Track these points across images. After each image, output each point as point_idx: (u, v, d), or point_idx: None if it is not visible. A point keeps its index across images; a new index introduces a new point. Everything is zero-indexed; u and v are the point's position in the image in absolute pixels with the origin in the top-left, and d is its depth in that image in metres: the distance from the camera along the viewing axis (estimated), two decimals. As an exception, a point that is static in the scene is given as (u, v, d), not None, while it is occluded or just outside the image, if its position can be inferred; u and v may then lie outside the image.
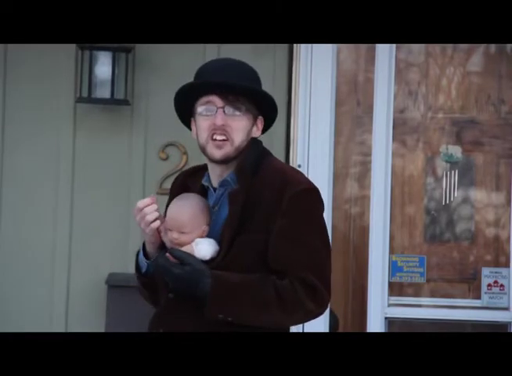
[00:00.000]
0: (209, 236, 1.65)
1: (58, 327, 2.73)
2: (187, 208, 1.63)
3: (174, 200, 1.66)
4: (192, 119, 1.67)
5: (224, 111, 1.61)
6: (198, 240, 1.63)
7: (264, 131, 1.74)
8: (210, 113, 1.62)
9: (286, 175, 1.63)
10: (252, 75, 1.69)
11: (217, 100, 1.61)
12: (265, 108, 1.69)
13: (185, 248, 1.61)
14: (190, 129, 1.74)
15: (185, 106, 1.68)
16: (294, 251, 1.57)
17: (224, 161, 1.64)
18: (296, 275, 1.56)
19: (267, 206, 1.60)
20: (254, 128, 1.68)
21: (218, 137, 1.63)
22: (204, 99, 1.62)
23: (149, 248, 1.68)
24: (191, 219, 1.62)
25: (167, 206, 1.73)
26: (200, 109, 1.63)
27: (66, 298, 2.75)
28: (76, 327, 2.68)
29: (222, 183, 1.66)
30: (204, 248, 1.58)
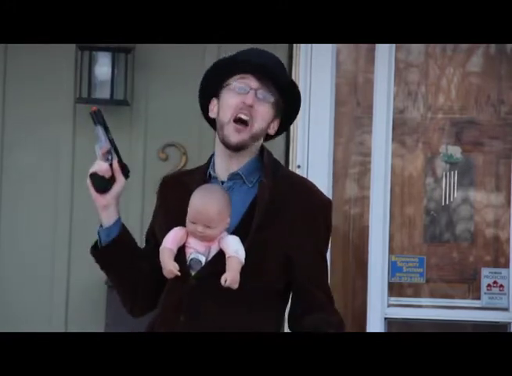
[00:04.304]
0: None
1: (57, 328, 2.72)
2: (215, 202, 1.59)
3: (199, 192, 1.61)
4: (214, 98, 1.63)
5: (256, 94, 1.57)
6: (237, 241, 1.60)
7: (276, 135, 1.70)
8: (243, 91, 1.57)
9: (312, 188, 1.63)
10: (285, 70, 1.66)
11: (252, 81, 1.57)
12: (288, 107, 1.64)
13: (233, 264, 1.57)
14: (204, 110, 1.66)
15: (215, 80, 1.63)
16: (321, 264, 1.60)
17: (238, 147, 1.59)
18: (323, 288, 1.60)
19: (293, 213, 1.59)
20: (271, 125, 1.64)
21: (243, 116, 1.58)
22: (240, 76, 1.58)
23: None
24: (219, 214, 1.58)
25: (157, 211, 1.69)
26: (233, 84, 1.58)
27: (66, 299, 2.75)
28: (75, 328, 2.67)
29: (232, 177, 1.62)
30: (242, 252, 1.58)
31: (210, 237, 1.59)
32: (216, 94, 1.62)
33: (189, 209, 1.59)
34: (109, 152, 1.60)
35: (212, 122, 1.67)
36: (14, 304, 2.77)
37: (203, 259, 1.60)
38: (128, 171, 1.63)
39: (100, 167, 1.57)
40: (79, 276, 2.73)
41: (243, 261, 1.57)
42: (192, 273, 1.58)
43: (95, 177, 1.59)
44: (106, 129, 1.62)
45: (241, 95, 1.58)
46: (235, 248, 1.58)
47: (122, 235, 1.61)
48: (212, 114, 1.62)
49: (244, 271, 1.56)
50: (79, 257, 2.70)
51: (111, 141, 1.61)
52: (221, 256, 1.57)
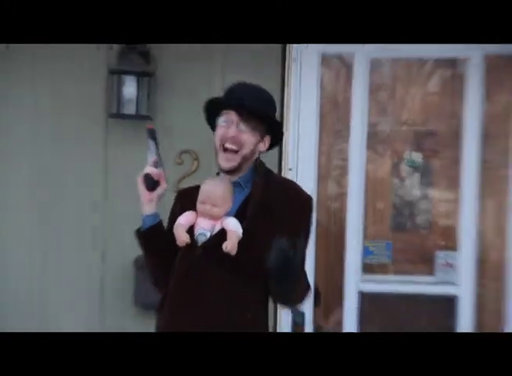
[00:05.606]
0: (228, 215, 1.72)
1: (95, 300, 2.83)
2: (221, 187, 1.71)
3: (209, 180, 1.74)
4: (215, 133, 1.78)
5: (237, 126, 1.71)
6: (236, 221, 1.69)
7: (271, 147, 1.82)
8: (226, 124, 1.72)
9: (297, 187, 1.75)
10: (269, 101, 1.78)
11: (233, 116, 1.72)
12: (272, 130, 1.79)
13: (232, 235, 1.64)
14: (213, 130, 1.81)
15: (211, 115, 1.78)
16: (303, 243, 1.71)
17: (230, 172, 1.74)
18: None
19: (281, 206, 1.68)
20: (261, 144, 1.77)
21: (229, 146, 1.71)
22: (225, 112, 1.73)
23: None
24: (223, 195, 1.69)
25: (174, 211, 1.80)
26: (219, 119, 1.74)
27: (102, 277, 2.85)
28: (109, 301, 2.81)
29: (234, 184, 1.75)
30: (240, 229, 1.68)
31: (215, 215, 1.69)
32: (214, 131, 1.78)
33: (200, 193, 1.71)
34: (156, 162, 1.76)
35: None
36: (54, 286, 2.83)
37: (208, 234, 1.70)
38: (167, 181, 1.78)
39: (152, 171, 1.74)
40: (113, 258, 2.83)
41: (241, 235, 1.66)
42: (199, 245, 1.69)
43: (147, 177, 1.74)
44: (157, 145, 1.75)
45: (224, 128, 1.72)
46: (235, 225, 1.68)
47: (158, 225, 1.78)
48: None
49: (239, 248, 1.65)
50: (114, 243, 2.83)
51: (159, 155, 1.76)
52: (223, 232, 1.67)
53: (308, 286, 1.75)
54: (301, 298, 1.73)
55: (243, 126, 1.73)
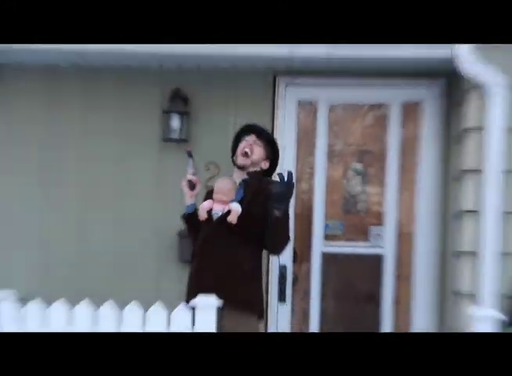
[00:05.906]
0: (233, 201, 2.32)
1: (152, 258, 3.40)
2: (228, 183, 2.35)
3: (221, 178, 2.38)
4: (239, 145, 2.51)
5: (254, 141, 2.51)
6: (237, 204, 2.31)
7: (269, 172, 2.54)
8: (247, 140, 2.51)
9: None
10: (274, 138, 2.61)
11: (254, 137, 2.52)
12: (272, 154, 2.54)
13: (233, 212, 2.23)
14: (233, 153, 2.57)
15: (242, 133, 2.53)
16: (285, 215, 2.29)
17: (242, 168, 2.51)
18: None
19: (269, 195, 2.29)
20: (263, 163, 2.55)
21: (246, 150, 2.41)
22: (250, 133, 2.51)
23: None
24: (230, 189, 2.31)
25: (204, 200, 2.42)
26: (245, 137, 2.51)
27: (158, 244, 3.44)
28: (163, 258, 3.36)
29: (239, 183, 2.48)
30: (240, 208, 2.37)
31: (224, 201, 2.27)
32: (240, 143, 2.61)
33: (215, 187, 2.32)
34: (194, 172, 2.57)
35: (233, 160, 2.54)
36: (128, 247, 3.36)
37: (220, 213, 2.31)
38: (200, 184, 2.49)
39: (192, 178, 2.54)
40: (165, 229, 3.40)
41: (240, 212, 2.27)
42: (214, 220, 2.32)
43: (190, 182, 2.53)
44: (193, 160, 2.52)
45: (246, 142, 2.51)
46: (236, 206, 2.30)
47: (195, 211, 2.55)
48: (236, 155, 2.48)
49: (242, 222, 2.23)
50: (166, 218, 3.43)
51: (195, 168, 2.55)
52: (229, 212, 2.30)
53: (289, 237, 2.47)
54: (284, 242, 2.42)
55: (258, 143, 2.58)
